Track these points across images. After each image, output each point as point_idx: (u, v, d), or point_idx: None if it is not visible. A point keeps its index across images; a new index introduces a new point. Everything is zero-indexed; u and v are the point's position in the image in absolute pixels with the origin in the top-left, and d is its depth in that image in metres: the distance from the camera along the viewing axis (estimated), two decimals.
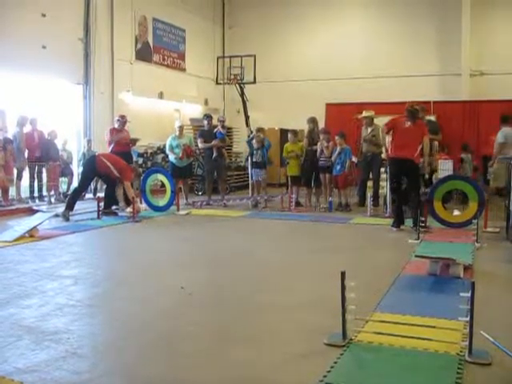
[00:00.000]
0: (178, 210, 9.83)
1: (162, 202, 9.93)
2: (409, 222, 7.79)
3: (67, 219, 8.66)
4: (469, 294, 3.07)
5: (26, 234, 7.11)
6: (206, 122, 11.41)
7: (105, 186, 9.99)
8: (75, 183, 11.14)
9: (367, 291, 4.25)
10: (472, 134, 13.50)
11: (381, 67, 15.58)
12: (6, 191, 10.04)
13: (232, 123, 15.57)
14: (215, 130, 11.50)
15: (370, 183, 10.27)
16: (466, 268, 5.15)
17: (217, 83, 15.03)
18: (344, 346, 3.29)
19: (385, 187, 9.22)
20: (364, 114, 10.73)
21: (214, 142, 11.00)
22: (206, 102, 16.96)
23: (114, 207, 9.49)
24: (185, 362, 3.15)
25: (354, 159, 10.52)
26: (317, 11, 16.50)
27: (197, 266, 5.75)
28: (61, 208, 9.27)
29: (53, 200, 10.80)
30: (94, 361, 3.14)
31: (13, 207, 9.86)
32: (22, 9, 10.70)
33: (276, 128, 15.48)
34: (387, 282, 4.79)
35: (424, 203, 7.89)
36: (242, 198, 11.20)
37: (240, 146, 15.51)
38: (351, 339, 3.38)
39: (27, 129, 10.75)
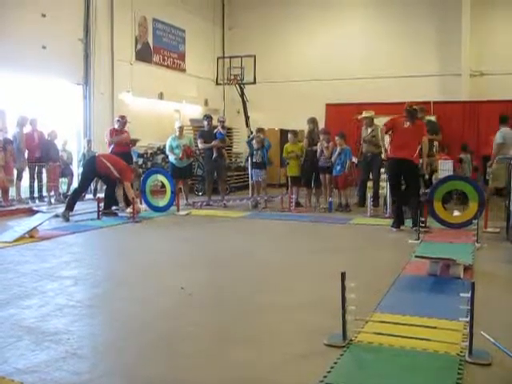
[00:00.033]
0: (178, 210, 9.83)
1: (161, 202, 9.93)
2: (408, 223, 7.80)
3: (67, 220, 8.66)
4: (469, 295, 3.07)
5: (26, 235, 7.10)
6: (206, 123, 11.41)
7: (105, 187, 9.99)
8: (75, 184, 11.14)
9: (367, 292, 4.25)
10: (472, 135, 13.52)
11: (381, 67, 15.59)
12: (6, 192, 10.05)
13: (232, 124, 15.58)
14: (215, 130, 11.50)
15: (369, 183, 10.26)
16: (466, 268, 5.15)
17: (217, 84, 15.04)
18: (344, 346, 3.29)
19: (385, 187, 9.22)
20: (364, 114, 10.73)
21: (213, 143, 11.00)
22: (206, 103, 16.97)
23: (113, 208, 9.50)
24: (185, 362, 3.15)
25: (354, 160, 10.52)
26: (316, 12, 16.51)
27: (197, 267, 5.75)
28: (61, 208, 9.28)
29: (53, 200, 10.81)
30: (94, 361, 3.14)
31: (13, 208, 9.87)
32: (22, 9, 10.71)
33: (276, 128, 15.49)
34: (387, 283, 4.79)
35: (424, 203, 7.89)
36: (242, 199, 11.20)
37: (240, 146, 15.51)
38: (351, 340, 3.37)
39: (27, 129, 10.75)
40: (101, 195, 10.11)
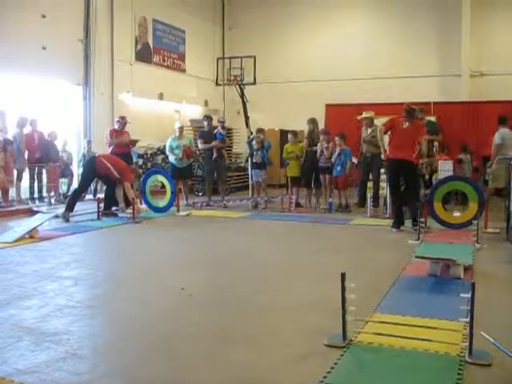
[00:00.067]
0: (178, 210, 9.83)
1: (162, 203, 9.92)
2: (408, 223, 7.80)
3: (67, 220, 8.66)
4: (469, 295, 3.07)
5: (26, 235, 7.10)
6: (206, 123, 11.42)
7: (105, 187, 9.99)
8: (75, 184, 11.14)
9: (367, 292, 4.25)
10: (472, 135, 13.50)
11: (381, 68, 15.59)
12: (6, 192, 10.05)
13: (232, 124, 15.58)
14: (215, 130, 11.50)
15: (369, 184, 10.26)
16: (467, 269, 5.15)
17: (217, 84, 15.03)
18: (344, 346, 3.29)
19: (385, 188, 9.22)
20: (364, 114, 10.72)
21: (214, 143, 11.00)
22: (206, 103, 16.98)
23: (113, 208, 9.49)
24: (185, 362, 3.15)
25: (354, 160, 10.52)
26: (317, 12, 16.51)
27: (197, 267, 5.75)
28: (61, 209, 9.28)
29: (53, 201, 10.81)
30: (93, 362, 3.13)
31: (13, 208, 9.87)
32: (22, 10, 10.71)
33: (276, 129, 15.50)
34: (387, 283, 4.79)
35: (424, 204, 7.89)
36: (242, 199, 11.20)
37: (240, 146, 15.51)
38: (351, 340, 3.37)
39: (27, 130, 10.76)
40: (101, 196, 10.11)
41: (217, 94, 17.05)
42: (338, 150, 9.88)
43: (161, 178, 10.30)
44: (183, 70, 16.25)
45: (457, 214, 8.24)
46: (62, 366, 3.03)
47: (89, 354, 3.26)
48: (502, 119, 9.71)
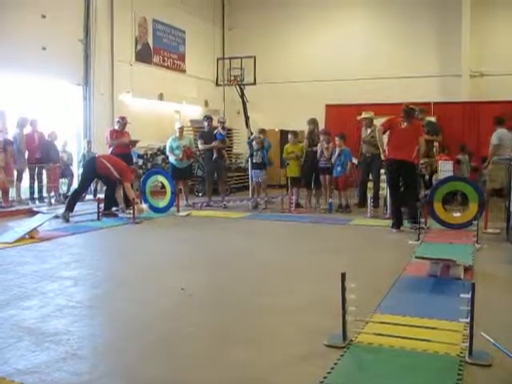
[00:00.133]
0: (178, 211, 9.83)
1: (162, 203, 9.92)
2: (406, 223, 7.80)
3: (67, 220, 8.66)
4: (469, 295, 3.07)
5: (27, 236, 7.10)
6: (206, 124, 11.42)
7: (105, 188, 9.99)
8: (75, 184, 11.14)
9: (367, 292, 4.25)
10: (472, 135, 13.50)
11: (381, 68, 15.59)
12: (6, 192, 10.05)
13: (232, 124, 15.58)
14: (215, 131, 11.50)
15: (370, 184, 10.27)
16: (467, 269, 5.15)
17: (217, 84, 15.05)
18: (344, 347, 3.29)
19: (385, 188, 9.22)
20: (363, 115, 10.73)
21: (214, 144, 11.00)
22: (206, 104, 16.98)
23: (114, 208, 9.50)
24: (185, 363, 3.15)
25: (355, 160, 10.51)
26: (317, 12, 16.51)
27: (197, 268, 5.75)
28: (61, 209, 9.28)
29: (53, 201, 10.81)
30: (94, 362, 3.14)
31: (13, 208, 9.87)
32: (22, 10, 10.71)
33: (276, 129, 15.50)
34: (387, 283, 4.79)
35: (424, 204, 7.88)
36: (242, 200, 11.20)
37: (240, 147, 15.51)
38: (351, 340, 3.37)
39: (27, 130, 10.76)
40: (101, 196, 10.11)
41: (217, 94, 17.05)
42: (337, 150, 9.89)
43: (161, 178, 10.30)
44: (183, 71, 16.25)
45: (457, 214, 8.24)
46: (62, 366, 3.03)
47: (89, 354, 3.26)
48: (500, 120, 9.71)
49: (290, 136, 10.87)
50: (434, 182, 9.07)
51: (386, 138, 8.06)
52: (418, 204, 8.18)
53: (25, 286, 4.83)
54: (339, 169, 9.90)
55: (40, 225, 7.46)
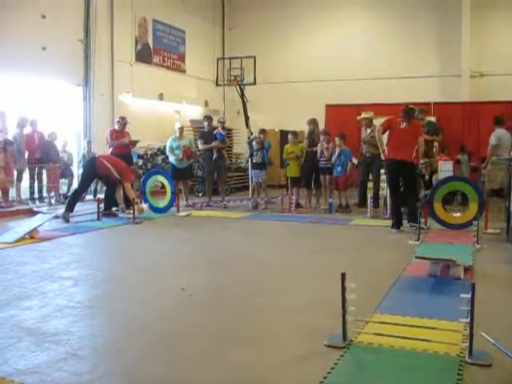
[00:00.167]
0: (178, 211, 9.83)
1: (162, 203, 9.92)
2: (405, 223, 7.81)
3: (67, 220, 8.66)
4: (469, 296, 3.07)
5: (27, 236, 7.11)
6: (206, 124, 11.42)
7: (105, 188, 9.99)
8: (75, 185, 11.14)
9: (367, 292, 4.25)
10: (472, 135, 13.50)
11: (381, 68, 15.59)
12: (6, 192, 10.05)
13: (232, 124, 15.58)
14: (215, 131, 11.50)
15: (370, 184, 10.27)
16: (467, 269, 5.15)
17: (217, 84, 15.05)
18: (344, 347, 3.29)
19: (385, 188, 9.22)
20: (363, 115, 10.73)
21: (214, 144, 11.00)
22: (206, 104, 16.98)
23: (114, 209, 9.49)
24: (185, 363, 3.15)
25: (355, 160, 10.51)
26: (317, 12, 16.51)
27: (197, 268, 5.75)
28: (61, 209, 9.28)
29: (53, 201, 10.82)
30: (94, 362, 3.14)
31: (13, 208, 9.87)
32: (22, 10, 10.71)
33: (276, 129, 15.50)
34: (387, 284, 4.79)
35: (424, 204, 7.88)
36: (242, 200, 11.20)
37: (240, 147, 15.51)
38: (351, 340, 3.37)
39: (27, 130, 10.76)
40: (101, 196, 10.11)
41: (217, 94, 17.05)
42: (337, 150, 9.89)
43: (161, 178, 10.30)
44: (183, 71, 16.25)
45: (457, 214, 8.25)
46: (63, 367, 3.04)
47: (89, 354, 3.26)
48: (498, 120, 9.71)
49: (290, 136, 10.87)
50: (434, 182, 9.07)
51: (385, 138, 8.06)
52: (418, 204, 8.18)
53: (25, 286, 4.83)
54: (339, 169, 9.90)
55: (40, 225, 7.46)
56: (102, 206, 9.17)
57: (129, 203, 9.15)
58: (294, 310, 4.12)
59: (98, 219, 8.92)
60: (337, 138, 9.95)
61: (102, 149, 11.10)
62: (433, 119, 12.32)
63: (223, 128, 11.69)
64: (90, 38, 12.69)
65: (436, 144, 10.76)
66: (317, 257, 6.20)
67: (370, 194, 9.73)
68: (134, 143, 11.17)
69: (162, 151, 13.61)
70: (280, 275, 5.40)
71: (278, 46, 16.98)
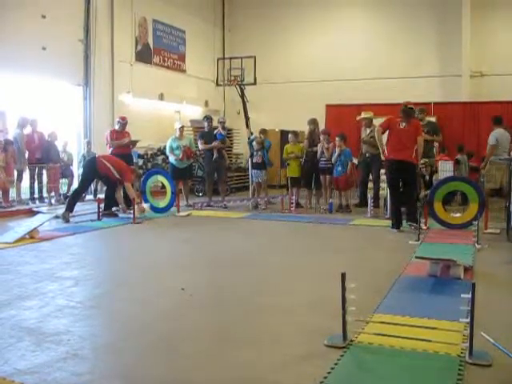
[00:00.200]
0: (179, 211, 9.83)
1: (162, 203, 9.93)
2: (404, 222, 7.81)
3: (67, 220, 8.66)
4: (469, 296, 3.07)
5: (27, 236, 7.11)
6: (206, 124, 11.43)
7: (105, 188, 9.99)
8: (75, 185, 11.14)
9: (367, 292, 4.25)
10: (472, 135, 13.48)
11: (381, 68, 15.60)
12: (6, 192, 10.06)
13: (232, 124, 15.58)
14: (215, 131, 11.51)
15: (370, 184, 10.27)
16: (467, 269, 5.15)
17: (217, 85, 15.03)
18: (344, 347, 3.29)
19: (385, 188, 9.22)
20: (363, 115, 10.73)
21: (214, 144, 11.01)
22: (207, 104, 16.98)
23: (114, 209, 9.49)
24: (185, 363, 3.15)
25: (355, 161, 10.52)
26: (317, 13, 16.52)
27: (197, 268, 5.75)
28: (61, 209, 9.28)
29: (53, 201, 10.82)
30: (94, 362, 3.14)
31: (13, 208, 9.88)
32: (22, 10, 10.72)
33: (276, 129, 15.50)
34: (387, 284, 4.79)
35: (424, 204, 7.88)
36: (243, 200, 11.20)
37: (240, 147, 15.52)
38: (351, 340, 3.37)
39: (27, 130, 10.77)
40: (101, 196, 10.11)
41: (217, 94, 17.06)
42: (337, 150, 9.89)
43: (161, 178, 10.31)
44: (183, 71, 16.26)
45: (457, 214, 8.25)
46: (63, 367, 3.04)
47: (89, 354, 3.26)
48: (497, 120, 9.70)
49: (290, 136, 10.87)
50: (434, 182, 9.07)
51: (385, 138, 8.06)
52: (418, 204, 8.18)
53: (25, 286, 4.83)
54: (339, 169, 9.90)
55: (40, 225, 7.46)
56: (102, 205, 9.16)
57: (129, 203, 9.15)
58: (293, 310, 4.12)
59: (98, 219, 8.92)
60: (337, 138, 9.95)
61: (102, 149, 11.09)
62: (433, 119, 12.31)
63: (223, 128, 11.69)
64: (90, 37, 12.70)
65: (436, 144, 10.77)
66: (317, 257, 6.20)
67: (370, 194, 9.73)
68: (134, 143, 11.18)
69: (162, 151, 13.62)
70: (280, 275, 5.40)
71: (278, 46, 16.99)
